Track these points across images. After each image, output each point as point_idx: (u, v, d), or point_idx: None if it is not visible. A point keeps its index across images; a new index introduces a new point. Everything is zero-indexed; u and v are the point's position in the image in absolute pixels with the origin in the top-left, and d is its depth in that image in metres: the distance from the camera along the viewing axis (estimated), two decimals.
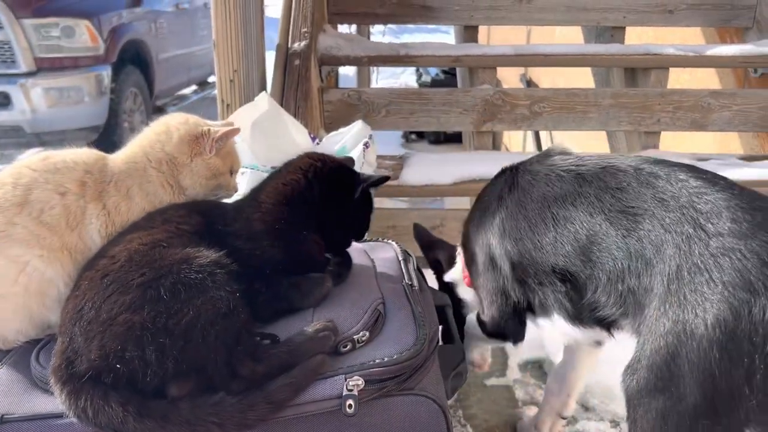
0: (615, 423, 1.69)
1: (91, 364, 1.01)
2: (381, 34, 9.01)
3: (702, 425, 0.93)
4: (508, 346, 1.94)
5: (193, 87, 7.38)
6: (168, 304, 1.04)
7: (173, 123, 1.34)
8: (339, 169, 1.35)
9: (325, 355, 1.11)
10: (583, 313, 1.16)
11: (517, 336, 1.40)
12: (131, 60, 5.43)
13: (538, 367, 1.96)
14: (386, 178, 1.38)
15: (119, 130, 5.20)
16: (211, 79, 7.78)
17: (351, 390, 1.07)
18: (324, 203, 1.30)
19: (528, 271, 1.24)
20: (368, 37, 5.61)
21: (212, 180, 1.36)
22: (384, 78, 8.80)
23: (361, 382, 1.08)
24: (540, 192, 1.24)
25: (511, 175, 1.35)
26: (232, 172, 1.43)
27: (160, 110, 6.28)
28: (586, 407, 1.77)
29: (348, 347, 1.15)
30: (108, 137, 5.10)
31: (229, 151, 1.39)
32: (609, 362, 1.71)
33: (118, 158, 1.31)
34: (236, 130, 1.37)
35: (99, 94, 4.97)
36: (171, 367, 1.01)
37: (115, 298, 1.06)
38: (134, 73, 5.50)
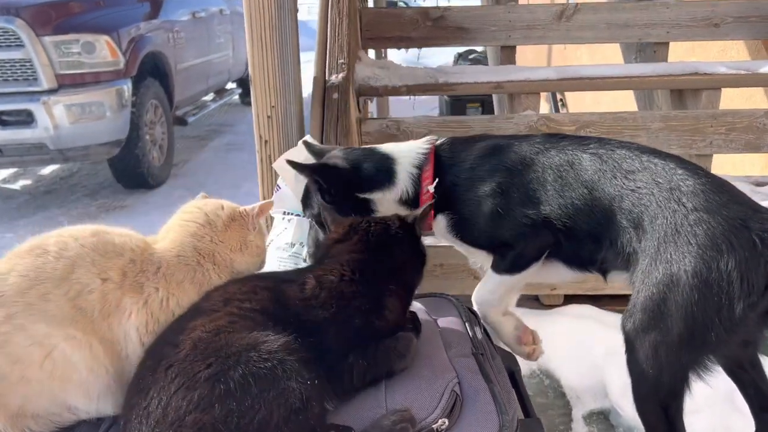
0: None
1: None
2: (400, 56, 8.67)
3: (684, 350, 1.25)
4: (571, 393, 1.87)
5: (212, 95, 7.31)
6: (239, 400, 0.98)
7: (209, 210, 1.33)
8: (402, 221, 1.33)
9: None
10: (594, 264, 1.44)
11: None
12: (151, 72, 5.38)
13: (603, 419, 1.86)
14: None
15: (141, 143, 5.15)
16: (229, 86, 7.72)
17: None
18: (400, 252, 1.29)
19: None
20: (385, 58, 5.50)
21: (258, 258, 1.37)
22: (401, 100, 8.50)
23: None
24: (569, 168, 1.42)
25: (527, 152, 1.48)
26: None
27: (180, 120, 6.22)
28: None
29: None
30: (130, 151, 5.06)
31: (261, 225, 1.41)
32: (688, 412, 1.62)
33: (164, 249, 1.26)
34: (269, 204, 1.43)
35: (120, 108, 4.93)
36: None
37: (183, 394, 1.00)
38: (154, 85, 5.45)
